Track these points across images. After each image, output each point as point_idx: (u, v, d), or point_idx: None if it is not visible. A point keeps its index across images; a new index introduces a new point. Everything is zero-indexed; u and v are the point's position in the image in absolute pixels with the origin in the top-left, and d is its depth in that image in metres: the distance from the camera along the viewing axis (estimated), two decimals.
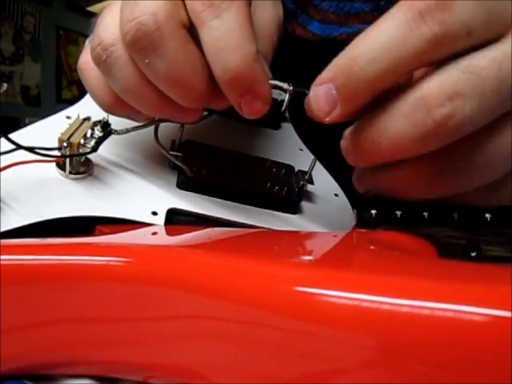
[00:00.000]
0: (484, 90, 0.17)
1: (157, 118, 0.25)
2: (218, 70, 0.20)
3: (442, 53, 0.17)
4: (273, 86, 0.22)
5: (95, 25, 0.22)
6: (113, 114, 0.25)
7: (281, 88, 0.22)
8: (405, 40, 0.17)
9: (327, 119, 0.19)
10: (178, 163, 0.26)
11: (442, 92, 0.17)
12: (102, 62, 0.21)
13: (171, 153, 0.26)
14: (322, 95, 0.19)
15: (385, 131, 0.18)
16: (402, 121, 0.18)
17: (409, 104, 0.18)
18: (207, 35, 0.19)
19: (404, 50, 0.17)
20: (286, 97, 0.22)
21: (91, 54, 0.22)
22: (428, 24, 0.17)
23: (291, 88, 0.22)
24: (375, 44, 0.18)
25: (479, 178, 0.19)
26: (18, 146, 0.22)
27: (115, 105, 0.23)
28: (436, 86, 0.17)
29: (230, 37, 0.19)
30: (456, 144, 0.18)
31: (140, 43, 0.19)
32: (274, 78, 0.23)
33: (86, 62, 0.24)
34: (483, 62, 0.17)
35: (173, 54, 0.20)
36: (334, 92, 0.19)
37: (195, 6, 0.19)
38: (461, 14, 0.17)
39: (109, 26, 0.21)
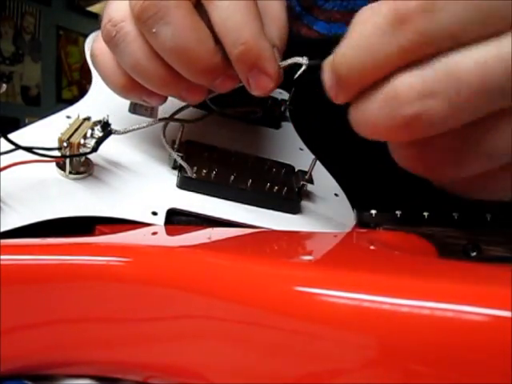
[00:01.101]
0: (460, 92, 0.16)
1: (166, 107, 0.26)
2: (228, 46, 0.21)
3: (419, 56, 0.17)
4: (288, 65, 0.23)
5: (105, 6, 0.24)
6: (126, 97, 0.26)
7: (296, 63, 0.23)
8: (380, 46, 0.17)
9: (337, 102, 0.20)
10: (183, 163, 0.26)
11: (412, 90, 0.17)
12: (112, 37, 0.22)
13: (178, 154, 0.26)
14: (329, 83, 0.20)
15: (363, 114, 0.19)
16: (376, 110, 0.18)
17: (382, 96, 0.18)
18: (216, 14, 0.21)
19: (379, 56, 0.17)
20: (301, 69, 0.23)
21: (102, 32, 0.23)
22: (406, 32, 0.16)
23: (306, 62, 0.22)
24: (352, 49, 0.18)
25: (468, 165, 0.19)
26: (18, 147, 0.22)
27: (127, 87, 0.25)
28: (408, 83, 0.17)
29: (238, 16, 0.21)
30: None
31: (148, 12, 0.21)
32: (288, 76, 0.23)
33: (99, 47, 0.25)
34: (465, 63, 0.16)
35: (179, 22, 0.21)
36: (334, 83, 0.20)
37: None
38: (445, 18, 0.16)
39: (118, 5, 0.23)
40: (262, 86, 0.22)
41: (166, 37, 0.21)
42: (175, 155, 0.26)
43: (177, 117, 0.28)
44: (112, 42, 0.23)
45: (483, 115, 0.17)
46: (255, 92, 0.23)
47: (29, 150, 0.22)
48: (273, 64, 0.22)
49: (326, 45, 0.20)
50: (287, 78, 0.23)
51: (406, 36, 0.16)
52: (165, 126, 0.26)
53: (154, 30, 0.21)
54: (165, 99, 0.26)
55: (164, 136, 0.26)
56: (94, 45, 0.26)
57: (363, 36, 0.18)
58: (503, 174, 0.19)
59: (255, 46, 0.21)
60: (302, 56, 0.23)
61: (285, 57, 0.24)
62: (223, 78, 0.23)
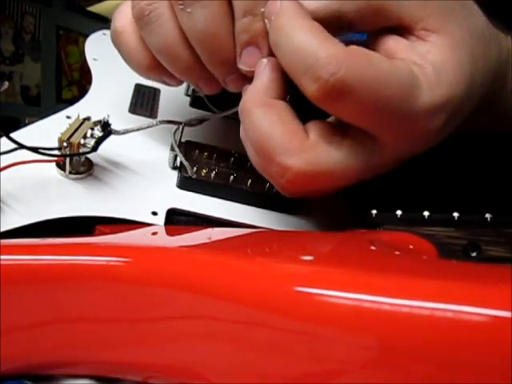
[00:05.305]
0: None
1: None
2: (237, 13, 0.22)
3: None
4: None
5: None
6: (146, 76, 0.26)
7: None
8: None
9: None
10: (185, 162, 0.26)
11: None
12: (144, 16, 0.22)
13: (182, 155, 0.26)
14: None
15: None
16: None
17: None
18: None
19: None
20: None
21: (133, 8, 0.23)
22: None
23: None
24: None
25: None
26: (20, 146, 0.22)
27: (151, 67, 0.25)
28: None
29: None
30: None
31: None
32: None
33: (123, 25, 0.25)
34: None
35: (214, 9, 0.21)
36: None
37: None
38: None
39: None
40: (252, 62, 0.23)
41: (198, 19, 0.21)
42: (180, 154, 0.26)
43: (177, 118, 0.28)
44: (143, 19, 0.23)
45: None
46: (242, 66, 0.23)
47: (31, 149, 0.22)
48: (267, 40, 0.22)
49: None
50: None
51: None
52: (179, 128, 0.27)
53: (188, 10, 0.21)
54: (182, 82, 0.26)
55: (173, 136, 0.26)
56: (116, 23, 0.25)
57: None
58: None
59: (261, 18, 0.21)
60: None
61: None
62: (236, 75, 0.24)
